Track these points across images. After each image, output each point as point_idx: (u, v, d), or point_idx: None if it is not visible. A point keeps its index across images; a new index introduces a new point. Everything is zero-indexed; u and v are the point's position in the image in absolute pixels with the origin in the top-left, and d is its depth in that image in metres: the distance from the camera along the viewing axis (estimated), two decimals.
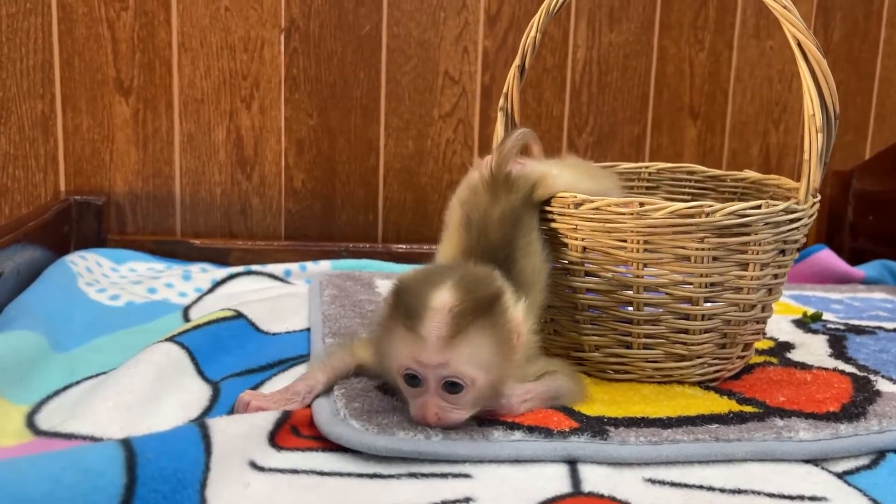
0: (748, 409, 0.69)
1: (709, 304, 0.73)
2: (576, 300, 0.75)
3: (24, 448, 0.57)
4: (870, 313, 1.03)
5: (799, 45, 0.72)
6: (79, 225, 1.18)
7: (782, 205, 0.72)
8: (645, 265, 0.72)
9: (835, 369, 0.79)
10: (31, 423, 0.63)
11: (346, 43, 1.26)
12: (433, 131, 1.30)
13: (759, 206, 0.71)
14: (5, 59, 1.18)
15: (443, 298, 0.60)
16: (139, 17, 1.21)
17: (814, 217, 0.76)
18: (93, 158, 1.23)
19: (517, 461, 0.60)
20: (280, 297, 0.97)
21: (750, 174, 0.88)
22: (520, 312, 0.64)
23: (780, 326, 0.94)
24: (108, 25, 1.20)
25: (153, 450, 0.49)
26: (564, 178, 0.75)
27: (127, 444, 0.49)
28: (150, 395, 0.67)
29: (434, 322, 0.59)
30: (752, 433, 0.64)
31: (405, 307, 0.61)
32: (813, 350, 0.86)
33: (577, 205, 0.72)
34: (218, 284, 1.07)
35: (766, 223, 0.71)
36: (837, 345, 0.88)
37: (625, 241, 0.71)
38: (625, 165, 0.94)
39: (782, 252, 0.75)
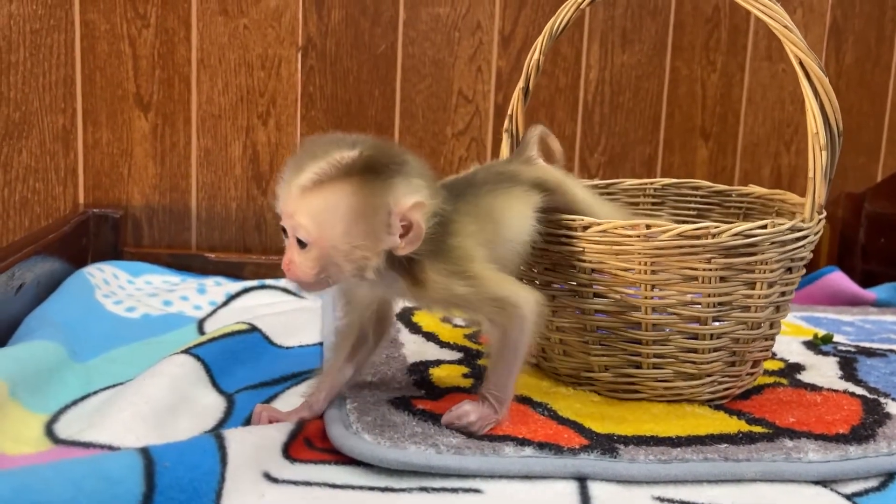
0: (758, 429, 0.69)
1: (717, 324, 0.74)
2: (585, 321, 0.76)
3: (44, 456, 0.59)
4: (881, 336, 1.03)
5: (801, 63, 0.73)
6: (96, 237, 1.20)
7: (788, 223, 0.73)
8: (653, 286, 0.73)
9: (845, 391, 0.80)
10: (49, 432, 0.64)
11: (362, 62, 1.28)
12: (446, 149, 1.32)
13: (765, 226, 0.72)
14: (29, 74, 1.20)
15: (321, 151, 0.59)
16: (160, 35, 1.23)
17: (819, 234, 0.77)
18: (111, 172, 1.25)
19: (527, 477, 0.61)
20: (293, 312, 0.98)
21: (755, 189, 0.89)
22: (415, 197, 0.60)
23: (790, 348, 0.94)
24: (129, 42, 1.23)
25: (171, 459, 0.50)
26: (579, 189, 0.76)
27: (145, 452, 0.50)
28: (166, 405, 0.68)
29: (300, 172, 0.58)
30: (762, 453, 0.64)
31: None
32: (823, 372, 0.86)
33: (585, 227, 0.73)
34: (232, 298, 1.09)
35: (773, 242, 0.72)
36: (848, 367, 0.88)
37: (632, 263, 0.72)
38: (630, 182, 0.95)
39: (789, 270, 0.75)
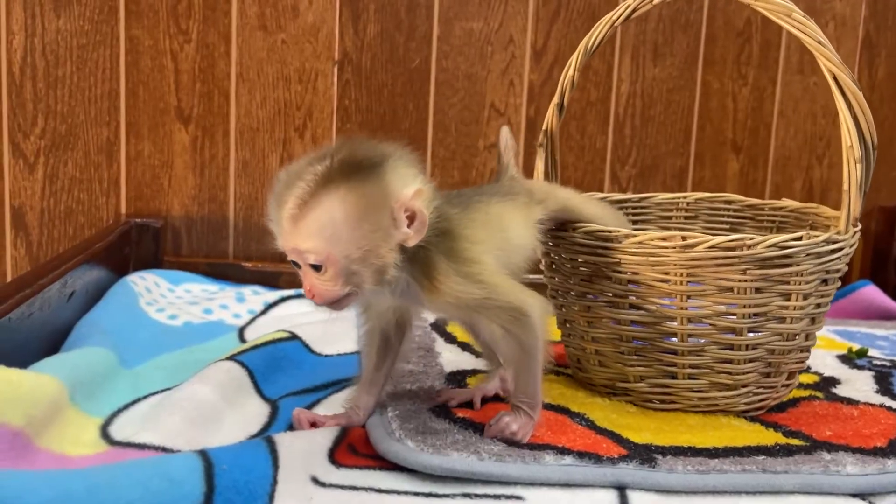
0: (795, 441, 0.70)
1: (752, 335, 0.75)
2: (620, 332, 0.77)
3: (101, 457, 0.61)
4: None
5: (835, 78, 0.73)
6: (138, 246, 1.23)
7: (823, 235, 0.73)
8: (688, 297, 0.74)
9: (881, 405, 0.80)
10: (105, 434, 0.66)
11: (397, 76, 1.30)
12: (478, 162, 1.34)
13: (800, 238, 0.72)
14: (75, 87, 1.24)
15: (294, 176, 0.57)
16: (200, 50, 1.27)
17: (855, 247, 0.77)
18: (152, 183, 1.28)
19: (567, 485, 0.62)
20: (331, 321, 1.00)
21: (789, 203, 0.90)
22: (412, 186, 0.58)
23: (825, 362, 0.95)
24: (171, 57, 1.26)
25: (227, 462, 0.52)
26: (568, 194, 0.78)
27: (204, 455, 0.52)
28: (213, 410, 0.70)
29: (283, 204, 0.57)
30: (800, 466, 0.65)
31: None
32: (858, 386, 0.86)
33: (621, 239, 0.74)
34: (270, 306, 1.11)
35: (808, 254, 0.73)
36: (884, 381, 0.88)
37: (668, 274, 0.73)
38: (662, 196, 0.96)
39: (825, 282, 0.76)
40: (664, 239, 0.73)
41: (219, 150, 1.29)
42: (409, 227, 0.60)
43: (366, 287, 0.60)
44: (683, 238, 0.72)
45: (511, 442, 0.65)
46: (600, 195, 0.95)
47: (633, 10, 0.80)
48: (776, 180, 1.40)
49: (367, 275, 0.59)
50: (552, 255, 0.82)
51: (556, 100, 0.85)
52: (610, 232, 0.75)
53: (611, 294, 0.76)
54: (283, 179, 0.59)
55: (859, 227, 0.77)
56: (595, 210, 0.80)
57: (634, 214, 0.94)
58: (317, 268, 0.59)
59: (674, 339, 0.75)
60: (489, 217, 0.68)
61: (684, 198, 0.95)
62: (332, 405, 0.76)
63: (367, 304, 0.69)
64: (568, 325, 0.82)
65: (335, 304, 0.60)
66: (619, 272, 0.75)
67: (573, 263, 0.79)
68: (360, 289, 0.60)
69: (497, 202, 0.70)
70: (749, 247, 0.71)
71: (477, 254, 0.64)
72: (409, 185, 0.59)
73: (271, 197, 0.59)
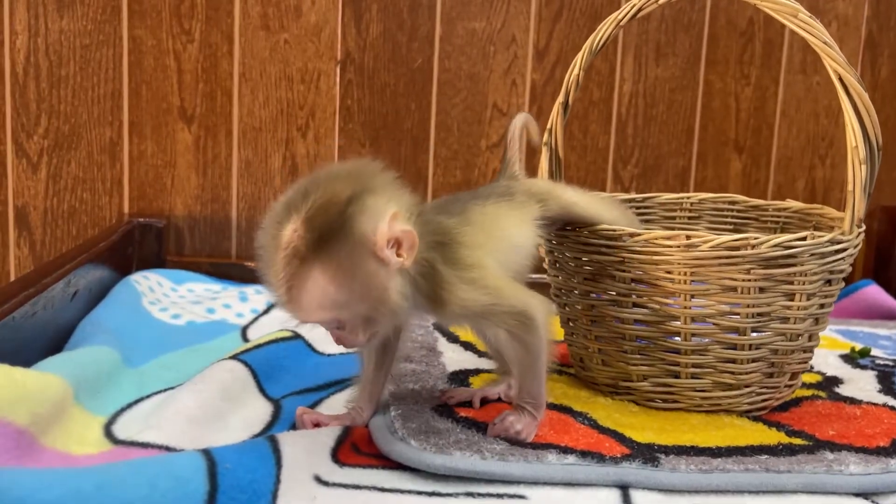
0: (798, 441, 0.70)
1: (756, 334, 0.75)
2: (623, 331, 0.77)
3: (106, 456, 0.61)
4: None
5: (840, 79, 0.73)
6: (140, 246, 1.23)
7: (828, 236, 0.74)
8: (692, 296, 0.74)
9: (884, 405, 0.80)
10: (108, 433, 0.66)
11: (399, 75, 1.31)
12: (480, 161, 1.34)
13: (804, 238, 0.72)
14: (78, 87, 1.24)
15: (268, 245, 0.56)
16: (203, 49, 1.27)
17: (859, 247, 0.77)
18: (155, 183, 1.28)
19: (570, 484, 0.62)
20: None
21: (792, 204, 0.90)
22: (385, 216, 0.57)
23: (827, 361, 0.95)
24: (174, 57, 1.26)
25: (230, 461, 0.52)
26: (569, 193, 0.77)
27: (208, 454, 0.52)
28: (216, 409, 0.70)
29: (278, 289, 0.56)
30: (803, 465, 0.65)
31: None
32: (861, 385, 0.86)
33: (626, 237, 0.74)
34: (273, 306, 1.11)
35: (812, 254, 0.73)
36: (887, 381, 0.88)
37: (672, 272, 0.73)
38: (666, 196, 0.96)
39: (828, 282, 0.76)
40: (668, 238, 0.73)
41: (221, 150, 1.29)
42: (398, 253, 0.59)
43: (388, 321, 0.61)
44: (688, 237, 0.72)
45: (514, 441, 0.65)
46: (603, 195, 0.95)
47: (639, 10, 0.80)
48: (779, 180, 1.40)
49: (382, 313, 0.60)
50: (556, 254, 0.82)
51: (560, 99, 0.85)
52: (614, 230, 0.75)
53: (614, 293, 0.76)
54: (261, 247, 0.58)
55: (863, 228, 0.77)
56: (603, 213, 0.78)
57: (638, 214, 0.94)
58: (337, 325, 0.60)
59: (677, 339, 0.75)
60: (486, 219, 0.68)
61: (688, 198, 0.95)
62: (335, 404, 0.76)
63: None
64: (571, 324, 0.83)
65: (367, 346, 0.63)
66: (623, 271, 0.75)
67: (577, 262, 0.79)
68: (383, 325, 0.61)
69: (493, 203, 0.70)
70: (753, 246, 0.72)
71: (478, 258, 0.64)
72: (381, 215, 0.57)
73: (260, 268, 0.59)
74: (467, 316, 0.64)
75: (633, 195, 0.95)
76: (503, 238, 0.69)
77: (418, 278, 0.61)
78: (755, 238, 0.72)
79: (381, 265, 0.58)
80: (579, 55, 0.84)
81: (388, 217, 0.57)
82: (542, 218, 0.73)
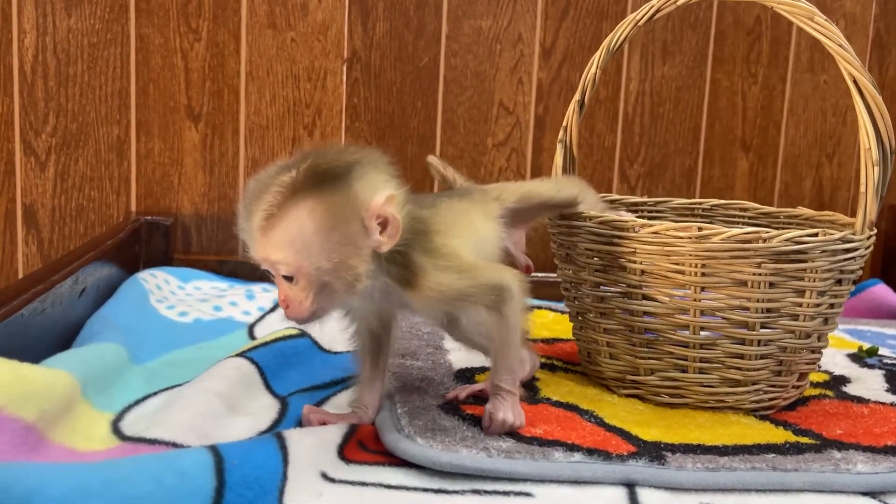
0: (804, 440, 0.70)
1: (765, 330, 0.75)
2: (632, 323, 0.77)
3: (113, 452, 0.61)
4: None
5: (855, 81, 0.73)
6: (148, 244, 1.24)
7: (839, 234, 0.74)
8: (702, 289, 0.74)
9: (892, 404, 0.79)
10: (116, 430, 0.67)
11: (405, 74, 1.31)
12: (486, 160, 1.34)
13: (815, 234, 0.73)
14: (86, 86, 1.25)
15: (262, 185, 0.57)
16: (210, 48, 1.27)
17: (870, 249, 0.77)
18: (162, 181, 1.29)
19: (576, 482, 0.62)
20: (339, 318, 1.00)
21: (803, 211, 0.90)
22: (384, 192, 0.58)
23: (835, 360, 0.94)
24: (181, 55, 1.27)
25: (237, 457, 0.52)
26: (522, 184, 0.79)
27: (215, 450, 0.52)
28: (224, 406, 0.71)
29: (252, 215, 0.56)
30: (810, 464, 0.65)
31: None
32: (869, 385, 0.86)
33: (637, 229, 0.74)
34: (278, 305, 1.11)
35: (823, 251, 0.73)
36: (894, 380, 0.88)
37: (683, 265, 0.73)
38: (678, 201, 0.96)
39: (839, 282, 0.76)
40: (680, 229, 0.73)
41: (228, 148, 1.29)
42: (381, 233, 0.59)
43: (338, 298, 0.60)
44: (699, 229, 0.72)
45: (514, 431, 0.65)
46: (613, 196, 0.95)
47: (657, 11, 0.81)
48: (786, 178, 1.40)
49: (339, 285, 0.59)
50: (566, 247, 0.82)
51: (577, 97, 0.85)
52: (625, 222, 0.75)
53: (624, 284, 0.77)
54: (251, 189, 0.59)
55: (875, 230, 0.77)
56: (552, 187, 0.79)
57: (650, 219, 0.94)
58: (289, 278, 0.59)
59: (686, 332, 0.75)
60: (457, 213, 0.70)
61: (700, 203, 0.95)
62: (342, 402, 0.76)
63: (348, 307, 0.70)
64: (580, 318, 0.83)
65: (303, 319, 0.60)
66: (634, 262, 0.75)
67: (587, 254, 0.79)
68: (332, 301, 0.60)
69: (459, 201, 0.72)
70: (764, 240, 0.71)
71: (454, 248, 0.65)
72: (379, 191, 0.59)
73: (241, 206, 0.59)
74: (444, 301, 0.64)
75: (644, 199, 0.95)
76: (473, 230, 0.70)
77: (390, 267, 0.62)
78: (766, 232, 0.72)
79: (363, 233, 0.59)
80: (597, 54, 0.84)
81: (386, 195, 0.59)
82: (503, 213, 0.75)
